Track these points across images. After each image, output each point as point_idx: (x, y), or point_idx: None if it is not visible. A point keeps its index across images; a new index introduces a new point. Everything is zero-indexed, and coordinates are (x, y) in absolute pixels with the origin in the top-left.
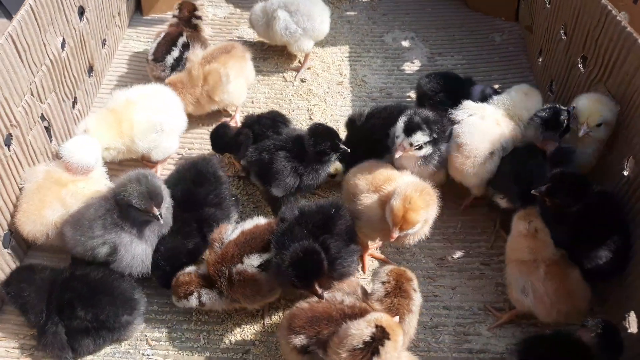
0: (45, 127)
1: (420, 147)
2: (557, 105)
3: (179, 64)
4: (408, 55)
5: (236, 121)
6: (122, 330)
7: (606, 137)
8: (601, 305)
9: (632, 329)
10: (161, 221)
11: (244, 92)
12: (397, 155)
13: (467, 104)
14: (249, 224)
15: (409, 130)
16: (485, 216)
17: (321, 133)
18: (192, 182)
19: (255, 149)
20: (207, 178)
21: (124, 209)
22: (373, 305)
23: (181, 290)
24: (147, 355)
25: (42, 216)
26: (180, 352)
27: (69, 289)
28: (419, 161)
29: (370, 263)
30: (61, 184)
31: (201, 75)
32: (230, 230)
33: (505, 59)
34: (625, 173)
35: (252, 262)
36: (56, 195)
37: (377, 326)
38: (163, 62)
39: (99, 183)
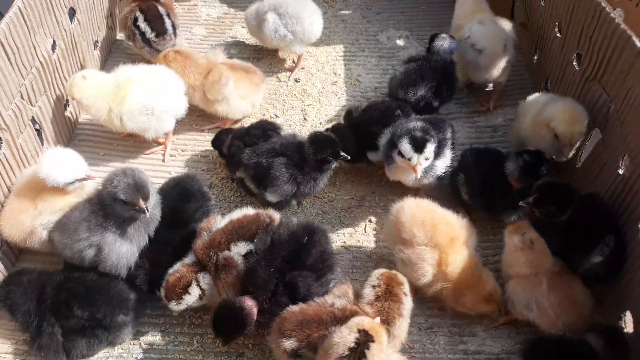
0: (37, 130)
1: (428, 158)
2: (543, 154)
3: (175, 31)
4: (403, 54)
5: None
6: (117, 331)
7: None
8: (598, 305)
9: (628, 329)
10: (147, 215)
11: (243, 111)
12: (419, 174)
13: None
14: (238, 213)
15: (419, 147)
16: (481, 216)
17: (322, 141)
18: (178, 199)
19: (253, 151)
20: (193, 194)
21: (109, 203)
22: (364, 308)
23: (177, 287)
24: (140, 359)
25: (19, 221)
26: (173, 355)
27: (65, 289)
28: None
29: (365, 264)
30: (38, 191)
31: (207, 67)
32: (219, 220)
33: None
34: (621, 172)
35: (239, 249)
36: (32, 201)
37: (359, 330)
38: (166, 33)
39: (78, 195)
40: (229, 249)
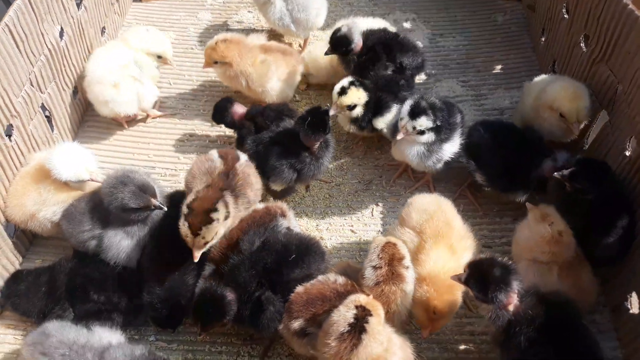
0: (47, 117)
1: (422, 132)
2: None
3: None
4: (409, 36)
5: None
6: (133, 315)
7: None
8: (602, 286)
9: (634, 310)
10: (165, 208)
11: (281, 95)
12: (399, 137)
13: None
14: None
15: (415, 113)
16: (487, 199)
17: (309, 121)
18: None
19: (253, 140)
20: None
21: (119, 213)
22: (365, 291)
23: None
24: (152, 341)
25: (22, 204)
26: (184, 337)
27: (80, 274)
28: (423, 149)
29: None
30: (43, 178)
31: (255, 53)
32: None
33: (507, 39)
34: (627, 153)
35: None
36: (36, 186)
37: (357, 307)
38: None
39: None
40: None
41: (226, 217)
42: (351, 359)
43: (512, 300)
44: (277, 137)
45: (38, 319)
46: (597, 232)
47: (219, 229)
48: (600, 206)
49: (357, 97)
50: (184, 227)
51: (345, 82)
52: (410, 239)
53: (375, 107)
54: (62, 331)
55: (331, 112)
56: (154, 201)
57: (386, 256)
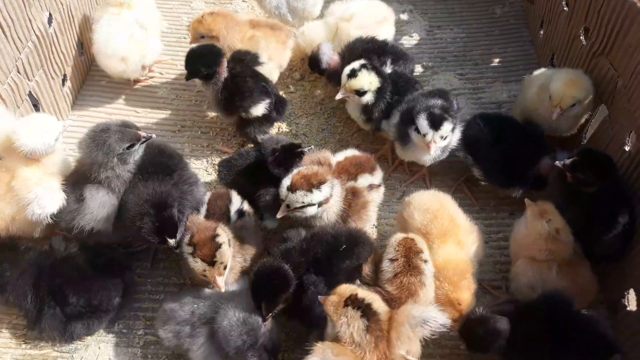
0: (34, 105)
1: (445, 137)
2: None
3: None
4: (407, 28)
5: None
6: (116, 311)
7: (584, 110)
8: (601, 283)
9: (631, 306)
10: (154, 136)
11: (272, 76)
12: (433, 152)
13: None
14: (349, 152)
15: (436, 123)
16: (483, 194)
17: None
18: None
19: (226, 164)
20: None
21: (114, 163)
22: (384, 286)
23: (311, 181)
24: (141, 334)
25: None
26: None
27: (58, 274)
28: (440, 150)
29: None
30: (10, 174)
31: (245, 34)
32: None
33: (506, 32)
34: (627, 148)
35: (364, 181)
36: (7, 187)
37: (347, 301)
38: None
39: (51, 165)
40: (356, 180)
41: (229, 243)
42: None
43: None
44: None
45: (13, 305)
46: (598, 229)
47: (229, 252)
48: (602, 201)
49: (369, 81)
50: (197, 264)
51: (356, 64)
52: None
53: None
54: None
55: (338, 97)
56: (141, 133)
57: (402, 249)
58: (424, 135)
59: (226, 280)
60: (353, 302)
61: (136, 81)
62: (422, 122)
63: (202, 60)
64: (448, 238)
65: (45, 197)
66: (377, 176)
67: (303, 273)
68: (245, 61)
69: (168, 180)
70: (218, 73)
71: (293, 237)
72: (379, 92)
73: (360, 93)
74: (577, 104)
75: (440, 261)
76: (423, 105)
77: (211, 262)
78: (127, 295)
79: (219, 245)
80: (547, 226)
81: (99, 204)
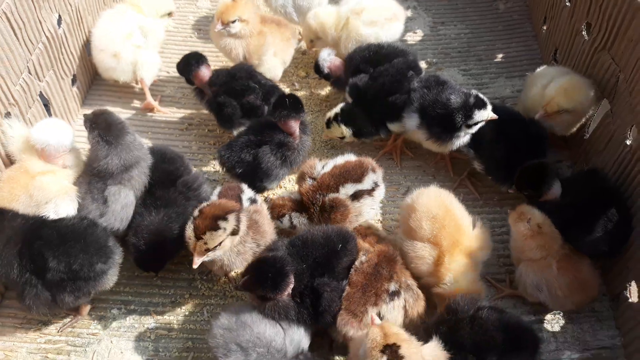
0: (45, 105)
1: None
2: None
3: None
4: (410, 24)
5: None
6: (97, 280)
7: (575, 118)
8: (603, 276)
9: (633, 298)
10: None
11: (277, 71)
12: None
13: None
14: (341, 159)
15: (484, 103)
16: (487, 188)
17: (282, 104)
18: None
19: (229, 147)
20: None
21: (125, 144)
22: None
23: (275, 211)
24: (151, 329)
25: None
26: (183, 325)
27: (38, 237)
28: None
29: None
30: (30, 176)
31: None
32: (321, 166)
33: (509, 27)
34: (629, 142)
35: (347, 190)
36: (24, 188)
37: (384, 349)
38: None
39: (67, 174)
40: (337, 192)
41: (234, 232)
42: None
43: None
44: (257, 137)
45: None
46: (577, 229)
47: (225, 240)
48: (576, 203)
49: (340, 132)
50: (189, 228)
51: (331, 113)
52: (429, 253)
53: (387, 112)
54: (259, 324)
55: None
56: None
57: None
58: (456, 136)
59: (235, 265)
60: (391, 354)
61: (151, 110)
62: (478, 112)
63: (178, 65)
64: (455, 248)
65: (62, 206)
66: (368, 181)
67: (309, 279)
68: (236, 77)
69: (172, 191)
70: (195, 80)
71: (280, 247)
72: (357, 132)
73: (342, 138)
74: (564, 112)
75: (451, 277)
76: (461, 99)
77: (197, 236)
78: (110, 263)
79: (215, 227)
80: (529, 225)
81: (122, 206)
